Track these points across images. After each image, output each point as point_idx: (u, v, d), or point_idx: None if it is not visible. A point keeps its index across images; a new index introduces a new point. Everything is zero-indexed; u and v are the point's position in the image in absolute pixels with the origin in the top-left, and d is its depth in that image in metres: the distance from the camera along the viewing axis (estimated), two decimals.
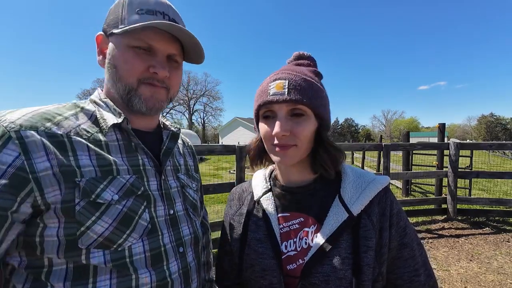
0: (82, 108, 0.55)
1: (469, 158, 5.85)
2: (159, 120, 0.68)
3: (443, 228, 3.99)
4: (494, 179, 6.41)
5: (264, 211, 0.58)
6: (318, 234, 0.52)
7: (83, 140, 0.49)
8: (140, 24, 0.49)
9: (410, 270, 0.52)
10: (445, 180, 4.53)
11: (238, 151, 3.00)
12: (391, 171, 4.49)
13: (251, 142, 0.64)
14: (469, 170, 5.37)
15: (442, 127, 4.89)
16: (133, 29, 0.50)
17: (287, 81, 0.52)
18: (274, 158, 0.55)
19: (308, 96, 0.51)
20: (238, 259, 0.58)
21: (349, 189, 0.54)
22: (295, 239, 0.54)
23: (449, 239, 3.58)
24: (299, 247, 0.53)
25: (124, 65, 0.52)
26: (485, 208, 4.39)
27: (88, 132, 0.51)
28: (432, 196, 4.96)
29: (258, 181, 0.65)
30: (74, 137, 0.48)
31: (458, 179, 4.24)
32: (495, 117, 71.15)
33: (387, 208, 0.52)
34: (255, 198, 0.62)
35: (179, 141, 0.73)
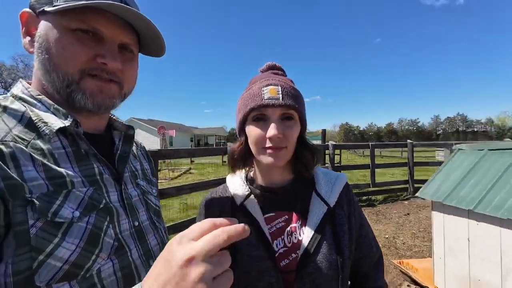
0: (5, 108, 0.43)
1: (339, 155, 7.81)
2: (107, 121, 0.58)
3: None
4: (354, 170, 8.85)
5: (250, 214, 0.58)
6: (306, 228, 0.56)
7: (24, 148, 0.40)
8: (83, 2, 0.40)
9: (367, 245, 0.63)
10: None
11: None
12: None
13: (234, 145, 0.63)
14: (339, 164, 7.16)
15: (323, 132, 6.29)
16: (72, 8, 0.40)
17: (280, 87, 0.55)
18: (265, 159, 0.55)
19: (297, 102, 0.56)
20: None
21: (323, 185, 0.61)
22: (282, 236, 0.56)
23: None
24: (289, 243, 0.56)
25: (63, 52, 0.42)
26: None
27: (23, 139, 0.41)
28: None
29: (237, 185, 0.63)
30: (13, 143, 0.39)
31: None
32: (349, 125, 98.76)
33: (351, 198, 0.63)
34: (237, 203, 0.60)
35: None
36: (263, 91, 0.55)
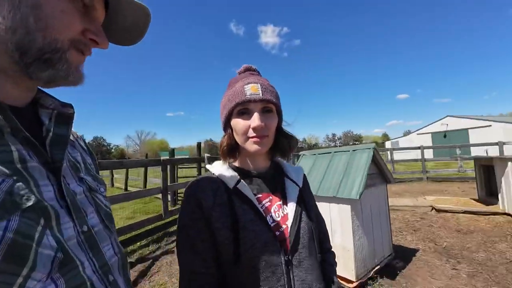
0: None
1: None
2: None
3: None
4: None
5: (244, 196, 0.63)
6: (288, 204, 0.67)
7: None
8: None
9: (319, 215, 0.80)
10: None
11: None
12: (156, 186, 4.97)
13: (222, 140, 0.69)
14: None
15: (199, 145, 6.45)
16: None
17: (259, 85, 0.63)
18: (251, 147, 0.63)
19: (274, 97, 0.65)
20: (233, 245, 0.58)
21: (291, 172, 0.75)
22: (271, 214, 0.65)
23: None
24: (277, 218, 0.65)
25: (62, 15, 0.36)
26: None
27: None
28: None
29: (226, 172, 0.67)
30: None
31: None
32: (213, 141, 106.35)
33: (307, 182, 0.79)
34: (230, 187, 0.64)
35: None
36: (245, 88, 0.63)
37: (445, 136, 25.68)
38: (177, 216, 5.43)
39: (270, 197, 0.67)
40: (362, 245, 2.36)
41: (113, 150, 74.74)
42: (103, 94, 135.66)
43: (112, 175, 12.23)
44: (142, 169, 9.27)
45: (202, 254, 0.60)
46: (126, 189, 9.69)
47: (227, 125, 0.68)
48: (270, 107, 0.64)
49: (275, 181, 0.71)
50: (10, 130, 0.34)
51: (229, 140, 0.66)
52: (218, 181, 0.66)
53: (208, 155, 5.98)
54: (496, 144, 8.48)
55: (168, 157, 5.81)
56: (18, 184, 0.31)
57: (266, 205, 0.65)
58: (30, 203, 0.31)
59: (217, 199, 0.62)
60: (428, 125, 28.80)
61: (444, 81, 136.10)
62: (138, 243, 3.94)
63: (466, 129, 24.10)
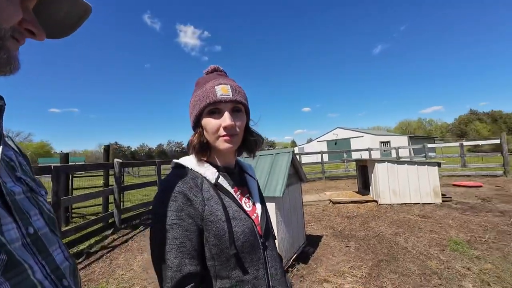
0: None
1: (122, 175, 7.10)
2: None
3: (114, 240, 4.44)
4: (139, 188, 8.43)
5: (225, 189, 0.68)
6: (255, 196, 0.76)
7: None
8: None
9: None
10: (111, 196, 5.08)
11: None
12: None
13: (193, 138, 0.69)
14: (124, 185, 6.52)
15: (107, 149, 5.44)
16: None
17: (229, 86, 0.66)
18: (222, 145, 0.66)
19: (243, 97, 0.69)
20: (229, 234, 0.62)
21: (248, 168, 0.82)
22: (244, 205, 0.71)
23: (122, 246, 4.11)
24: (249, 208, 0.72)
25: (5, 4, 0.35)
26: (137, 212, 5.69)
27: None
28: (94, 217, 5.16)
29: (205, 168, 0.69)
30: None
31: (121, 192, 5.04)
32: (118, 145, 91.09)
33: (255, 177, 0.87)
34: (212, 182, 0.67)
35: None
36: (216, 89, 0.65)
37: (335, 144, 32.28)
38: (73, 237, 4.36)
39: (240, 191, 0.73)
40: (284, 238, 2.66)
41: None
42: None
43: None
44: None
45: (191, 253, 0.60)
46: None
47: (197, 124, 0.70)
48: (239, 107, 0.68)
49: (240, 176, 0.78)
50: None
51: (200, 138, 0.68)
52: (199, 176, 0.67)
53: (120, 160, 5.16)
54: (367, 150, 11.49)
55: (60, 164, 4.59)
56: None
57: (238, 197, 0.71)
58: None
59: (205, 193, 0.64)
60: (324, 134, 35.50)
61: (334, 99, 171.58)
62: None
63: (349, 138, 31.18)
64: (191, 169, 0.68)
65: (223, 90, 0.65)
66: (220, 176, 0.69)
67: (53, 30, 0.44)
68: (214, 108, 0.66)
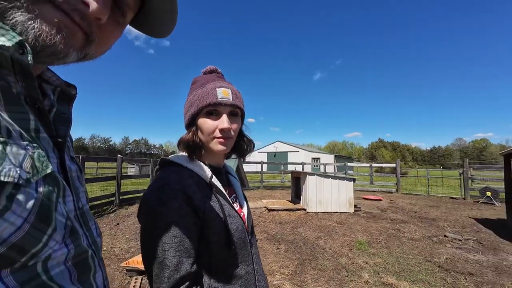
0: None
1: None
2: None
3: None
4: None
5: (219, 189, 0.69)
6: (239, 196, 0.78)
7: None
8: None
9: None
10: None
11: None
12: None
13: (187, 137, 0.68)
14: None
15: None
16: None
17: (230, 90, 0.68)
18: (216, 147, 0.67)
19: (241, 103, 0.70)
20: (226, 232, 0.63)
21: (230, 169, 0.84)
22: (233, 202, 0.73)
23: None
24: (237, 207, 0.74)
25: None
26: None
27: None
28: None
29: (201, 167, 0.68)
30: None
31: None
32: None
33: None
34: (207, 181, 0.67)
35: None
36: (217, 91, 0.66)
37: (275, 156, 34.40)
38: None
39: (227, 190, 0.74)
40: None
41: None
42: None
43: None
44: None
45: (189, 252, 0.59)
46: None
47: (192, 123, 0.69)
48: (237, 111, 0.69)
49: (226, 176, 0.80)
50: (24, 98, 0.33)
51: (194, 137, 0.68)
52: (195, 175, 0.67)
53: None
54: (301, 164, 12.80)
55: None
56: (38, 151, 0.32)
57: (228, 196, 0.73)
58: (48, 171, 0.33)
59: (203, 192, 0.64)
60: (265, 146, 37.45)
61: (277, 114, 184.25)
62: None
63: (287, 152, 33.79)
64: (186, 167, 0.67)
65: (224, 93, 0.66)
66: (213, 176, 0.69)
67: (157, 26, 0.45)
68: (213, 110, 0.66)
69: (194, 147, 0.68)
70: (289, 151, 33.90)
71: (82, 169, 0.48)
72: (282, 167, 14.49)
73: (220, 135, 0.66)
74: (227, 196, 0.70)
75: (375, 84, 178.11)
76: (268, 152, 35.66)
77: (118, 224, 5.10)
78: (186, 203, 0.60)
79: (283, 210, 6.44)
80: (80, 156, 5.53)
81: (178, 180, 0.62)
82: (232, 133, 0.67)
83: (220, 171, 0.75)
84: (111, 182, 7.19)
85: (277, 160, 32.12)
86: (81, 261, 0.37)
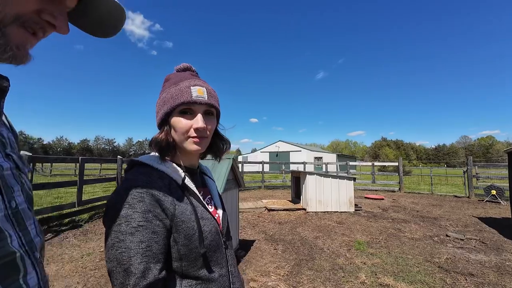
0: None
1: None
2: None
3: None
4: (50, 189, 7.04)
5: (192, 190, 0.67)
6: (215, 198, 0.77)
7: None
8: None
9: None
10: None
11: None
12: None
13: (159, 136, 0.66)
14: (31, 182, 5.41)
15: None
16: None
17: (205, 89, 0.66)
18: (191, 147, 0.65)
19: (217, 102, 0.69)
20: (198, 234, 0.62)
21: (206, 170, 0.83)
22: (206, 204, 0.71)
23: None
24: (211, 208, 0.72)
25: None
26: (46, 215, 4.79)
27: None
28: None
29: (171, 168, 0.67)
30: None
31: None
32: (25, 135, 73.74)
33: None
34: (179, 182, 0.65)
35: None
36: (192, 89, 0.64)
37: (277, 155, 34.34)
38: None
39: (202, 192, 0.73)
40: None
41: None
42: None
43: None
44: None
45: (157, 257, 0.56)
46: None
47: (164, 122, 0.67)
48: (212, 110, 0.68)
49: (200, 177, 0.78)
50: None
51: (166, 137, 0.66)
52: (166, 176, 0.65)
53: (29, 153, 4.31)
54: (302, 163, 12.74)
55: None
56: None
57: (202, 198, 0.72)
58: None
59: (174, 194, 0.62)
60: (267, 145, 37.39)
61: (280, 114, 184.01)
62: None
63: (289, 152, 33.71)
64: (157, 168, 0.65)
65: (199, 92, 0.65)
66: (186, 177, 0.67)
67: (97, 29, 0.48)
68: (186, 108, 0.65)
69: (167, 147, 0.65)
70: (291, 151, 33.81)
71: (22, 165, 0.46)
72: (283, 167, 14.41)
73: (194, 135, 0.64)
74: (201, 197, 0.68)
75: (378, 82, 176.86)
76: (270, 152, 35.64)
77: None
78: (154, 206, 0.57)
79: (282, 210, 6.40)
80: (80, 157, 5.56)
81: (146, 182, 0.60)
82: (207, 132, 0.66)
83: (194, 172, 0.74)
84: (112, 183, 7.22)
85: (279, 159, 32.08)
86: (6, 263, 0.35)
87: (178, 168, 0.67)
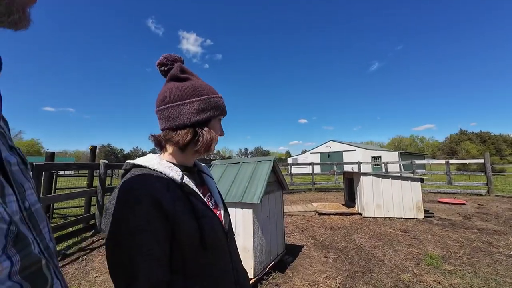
0: None
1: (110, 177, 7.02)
2: None
3: (93, 242, 4.35)
4: None
5: (191, 189, 0.67)
6: (215, 195, 0.78)
7: None
8: None
9: None
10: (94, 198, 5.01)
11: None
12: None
13: (183, 136, 0.68)
14: (110, 186, 6.43)
15: (94, 149, 5.41)
16: None
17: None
18: (210, 151, 0.73)
19: None
20: (199, 233, 0.61)
21: (203, 167, 0.84)
22: (207, 202, 0.72)
23: (100, 249, 4.03)
24: (212, 206, 0.73)
25: None
26: None
27: None
28: (74, 218, 5.05)
29: (169, 168, 0.66)
30: None
31: (106, 195, 4.98)
32: (111, 147, 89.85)
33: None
34: (178, 181, 0.65)
35: None
36: (223, 102, 0.76)
37: (328, 156, 32.57)
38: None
39: (201, 190, 0.73)
40: (260, 245, 2.68)
41: None
42: None
43: None
44: None
45: (159, 259, 0.55)
46: None
47: (203, 124, 0.70)
48: None
49: (198, 175, 0.79)
50: None
51: (190, 139, 0.69)
52: (163, 176, 0.64)
53: (106, 161, 5.12)
54: (357, 163, 11.65)
55: (43, 162, 4.53)
56: None
57: (202, 195, 0.72)
58: None
59: (173, 194, 0.61)
60: (318, 146, 35.86)
61: (330, 112, 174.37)
62: None
63: (341, 152, 31.54)
64: (154, 169, 0.64)
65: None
66: (185, 176, 0.67)
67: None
68: (221, 118, 0.76)
69: (185, 147, 0.70)
70: (344, 150, 31.52)
71: (26, 160, 0.42)
72: (335, 168, 13.46)
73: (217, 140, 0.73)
74: (201, 195, 0.68)
75: (449, 65, 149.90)
76: (321, 153, 34.09)
77: None
78: (154, 207, 0.56)
79: (335, 214, 5.93)
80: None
81: (144, 183, 0.59)
82: None
83: (192, 170, 0.75)
84: None
85: (331, 160, 30.35)
86: (34, 272, 0.32)
87: (175, 167, 0.67)
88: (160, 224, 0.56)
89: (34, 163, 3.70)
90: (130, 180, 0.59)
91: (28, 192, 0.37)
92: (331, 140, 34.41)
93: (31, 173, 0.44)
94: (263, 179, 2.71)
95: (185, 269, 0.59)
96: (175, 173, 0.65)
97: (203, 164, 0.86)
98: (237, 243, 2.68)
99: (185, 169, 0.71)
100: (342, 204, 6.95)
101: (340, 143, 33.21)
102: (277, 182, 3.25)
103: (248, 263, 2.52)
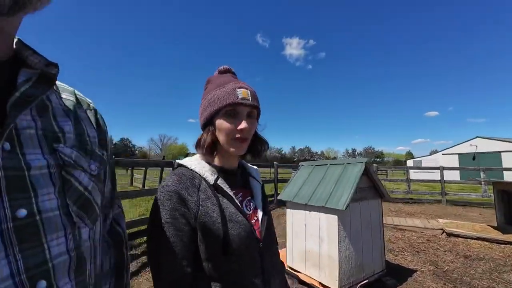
0: None
1: None
2: (12, 44, 0.37)
3: None
4: None
5: (224, 191, 0.66)
6: (256, 199, 0.74)
7: None
8: None
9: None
10: None
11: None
12: None
13: (204, 136, 0.69)
14: None
15: None
16: None
17: (249, 91, 0.67)
18: (233, 148, 0.66)
19: (259, 103, 0.70)
20: (223, 236, 0.61)
21: (252, 171, 0.81)
22: (244, 207, 0.70)
23: None
24: (250, 210, 0.70)
25: None
26: None
27: None
28: None
29: (204, 169, 0.68)
30: None
31: None
32: None
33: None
34: (211, 182, 0.66)
35: (65, 94, 0.45)
36: (237, 92, 0.65)
37: (474, 158, 23.90)
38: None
39: (241, 193, 0.72)
40: (348, 256, 2.40)
41: (137, 151, 78.85)
42: (131, 96, 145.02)
43: (132, 175, 12.94)
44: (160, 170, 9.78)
45: (182, 253, 0.59)
46: (143, 187, 10.23)
47: (209, 122, 0.69)
48: (254, 112, 0.69)
49: (242, 178, 0.77)
50: None
51: (212, 137, 0.68)
52: (198, 177, 0.66)
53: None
54: None
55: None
56: None
57: (239, 199, 0.70)
58: None
59: (202, 194, 0.63)
60: (455, 145, 27.05)
61: (481, 100, 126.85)
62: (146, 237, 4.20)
63: (499, 152, 22.27)
64: (191, 169, 0.68)
65: (244, 94, 0.66)
66: (220, 178, 0.67)
67: None
68: (232, 110, 0.65)
69: (211, 148, 0.68)
70: (503, 151, 22.00)
71: (84, 160, 0.41)
72: (482, 175, 9.61)
73: (238, 136, 0.65)
74: (235, 199, 0.67)
75: None
76: (460, 154, 25.48)
77: None
78: (180, 205, 0.61)
79: (476, 239, 4.33)
80: (275, 162, 7.17)
81: (176, 181, 0.64)
82: (249, 134, 0.67)
83: (232, 173, 0.74)
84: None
85: (477, 164, 22.10)
86: None
87: (212, 169, 0.69)
88: (185, 220, 0.60)
89: (173, 161, 5.06)
90: (168, 178, 0.65)
91: (43, 198, 0.34)
92: (478, 137, 25.04)
93: (86, 169, 0.41)
94: (351, 184, 2.42)
95: (209, 270, 0.61)
96: (210, 174, 0.67)
97: (255, 167, 0.85)
98: (321, 249, 2.55)
99: (225, 170, 0.71)
100: (492, 227, 4.94)
101: (493, 141, 23.44)
102: (373, 188, 2.79)
103: (333, 273, 2.33)
